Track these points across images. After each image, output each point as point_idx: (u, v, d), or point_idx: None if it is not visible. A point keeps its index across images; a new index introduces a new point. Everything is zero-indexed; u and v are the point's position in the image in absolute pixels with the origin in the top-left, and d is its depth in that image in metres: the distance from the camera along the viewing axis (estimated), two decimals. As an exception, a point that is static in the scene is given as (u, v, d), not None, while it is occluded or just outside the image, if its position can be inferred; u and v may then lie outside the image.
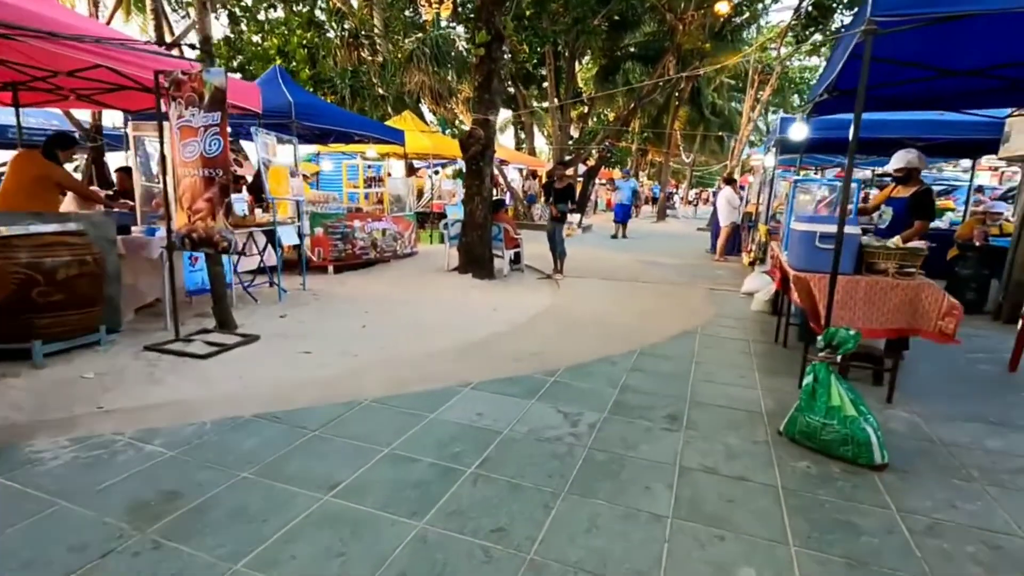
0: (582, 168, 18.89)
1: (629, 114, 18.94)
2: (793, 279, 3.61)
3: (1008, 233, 6.66)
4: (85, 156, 11.92)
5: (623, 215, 14.61)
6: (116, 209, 5.50)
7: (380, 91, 12.19)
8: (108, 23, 11.65)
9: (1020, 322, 4.88)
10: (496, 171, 14.46)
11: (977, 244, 6.49)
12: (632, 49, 19.36)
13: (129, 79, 4.79)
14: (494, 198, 8.67)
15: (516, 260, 8.42)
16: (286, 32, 13.28)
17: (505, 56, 9.50)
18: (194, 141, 3.98)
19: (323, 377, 3.75)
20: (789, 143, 7.38)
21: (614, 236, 14.18)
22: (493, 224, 7.92)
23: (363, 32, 13.04)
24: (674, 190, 32.09)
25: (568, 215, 8.74)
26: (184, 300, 5.47)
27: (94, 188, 7.16)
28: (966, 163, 16.75)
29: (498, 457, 2.69)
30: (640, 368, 4.10)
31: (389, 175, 11.67)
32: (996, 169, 17.82)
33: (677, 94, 21.65)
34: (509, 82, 19.15)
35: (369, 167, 10.15)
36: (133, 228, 4.98)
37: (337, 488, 2.37)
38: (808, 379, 2.90)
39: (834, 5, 14.37)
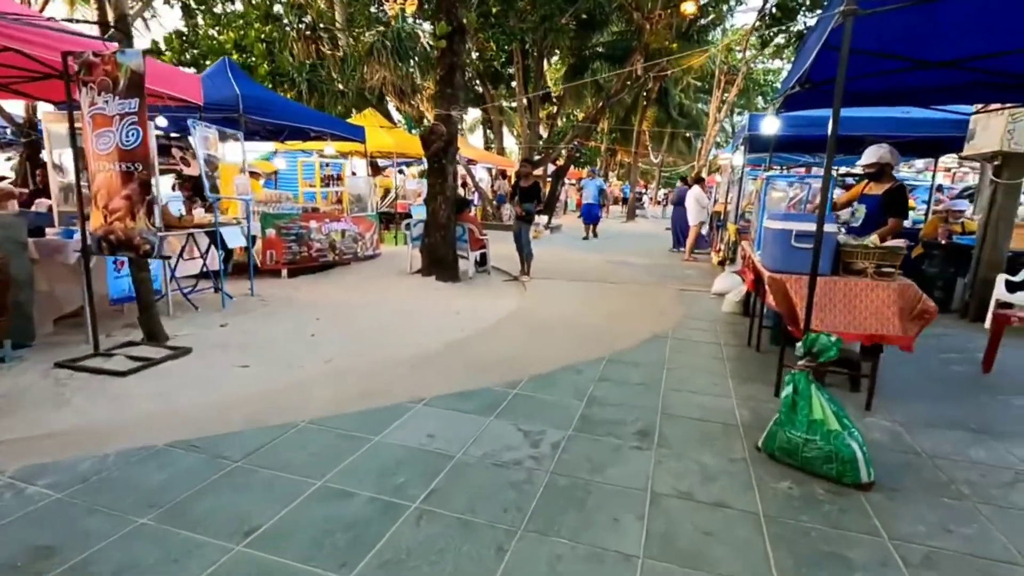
0: (551, 168, 18.68)
1: (598, 113, 18.84)
2: (768, 280, 3.39)
3: (971, 231, 6.67)
4: (19, 153, 11.07)
5: (590, 216, 14.01)
6: (33, 208, 4.96)
7: (339, 86, 11.67)
8: (42, 10, 10.86)
9: (989, 320, 4.83)
10: (464, 171, 14.11)
11: (942, 242, 6.48)
12: (600, 49, 19.28)
13: (40, 63, 4.28)
14: (461, 197, 8.34)
15: (482, 262, 8.09)
16: (243, 26, 12.66)
17: (468, 50, 9.17)
18: (109, 131, 3.53)
19: (259, 394, 3.36)
20: (758, 141, 7.27)
21: (585, 238, 13.90)
22: (457, 224, 7.58)
23: (321, 25, 12.51)
24: (643, 190, 32.29)
25: (535, 215, 8.43)
26: (114, 309, 4.98)
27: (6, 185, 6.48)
28: (919, 164, 17.26)
29: (447, 488, 2.37)
30: (608, 377, 3.84)
31: (354, 174, 11.20)
32: (948, 170, 18.41)
33: (645, 94, 21.67)
34: (477, 81, 18.83)
35: (327, 165, 9.67)
36: (48, 230, 4.46)
37: (253, 535, 2.01)
38: (787, 390, 2.66)
39: (796, 6, 14.50)
